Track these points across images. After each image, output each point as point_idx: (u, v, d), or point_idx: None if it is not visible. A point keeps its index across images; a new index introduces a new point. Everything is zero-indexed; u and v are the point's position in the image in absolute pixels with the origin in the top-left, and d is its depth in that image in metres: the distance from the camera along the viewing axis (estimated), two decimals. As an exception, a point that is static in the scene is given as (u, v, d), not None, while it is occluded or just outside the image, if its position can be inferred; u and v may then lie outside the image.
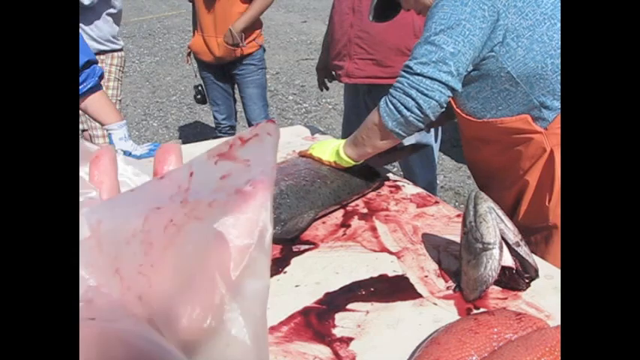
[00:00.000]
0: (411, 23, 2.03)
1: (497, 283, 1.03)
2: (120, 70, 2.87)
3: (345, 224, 1.32)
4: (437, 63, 1.20)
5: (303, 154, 1.51)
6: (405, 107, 1.23)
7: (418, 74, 1.21)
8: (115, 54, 2.83)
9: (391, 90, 1.26)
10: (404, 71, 1.24)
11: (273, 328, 0.96)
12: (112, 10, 2.72)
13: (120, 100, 2.91)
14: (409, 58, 1.25)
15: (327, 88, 2.59)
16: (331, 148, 1.43)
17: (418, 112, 1.22)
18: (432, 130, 2.13)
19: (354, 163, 1.39)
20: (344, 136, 2.54)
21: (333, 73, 2.36)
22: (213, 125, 3.57)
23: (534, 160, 1.32)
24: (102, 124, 1.85)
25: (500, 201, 1.17)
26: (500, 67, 1.27)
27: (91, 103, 1.78)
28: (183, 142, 1.99)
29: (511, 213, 1.37)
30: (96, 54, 2.76)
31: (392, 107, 1.25)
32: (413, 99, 1.21)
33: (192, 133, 4.73)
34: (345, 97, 2.59)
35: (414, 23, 2.03)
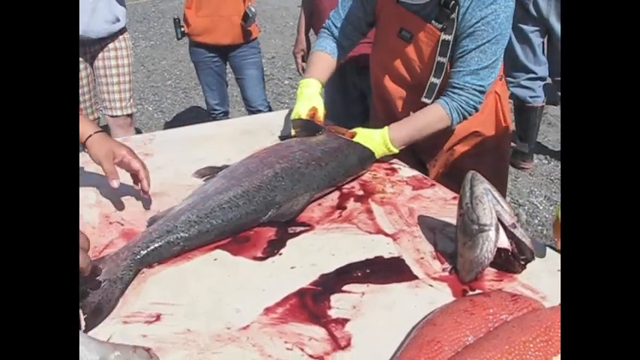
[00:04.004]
0: None
1: (492, 264, 1.03)
2: None
3: (340, 206, 1.31)
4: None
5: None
6: (471, 115, 1.58)
7: (483, 93, 1.55)
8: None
9: (464, 106, 1.54)
10: (479, 92, 1.53)
11: (268, 310, 0.96)
12: None
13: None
14: (478, 78, 1.52)
15: None
16: (379, 148, 1.54)
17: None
18: None
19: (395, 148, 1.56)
20: (330, 117, 2.53)
21: None
22: (208, 109, 3.55)
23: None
24: None
25: None
26: None
27: None
28: (179, 127, 1.98)
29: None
30: (120, 32, 2.68)
31: (462, 117, 1.56)
32: (477, 109, 1.58)
33: (187, 117, 4.71)
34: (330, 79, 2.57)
35: None
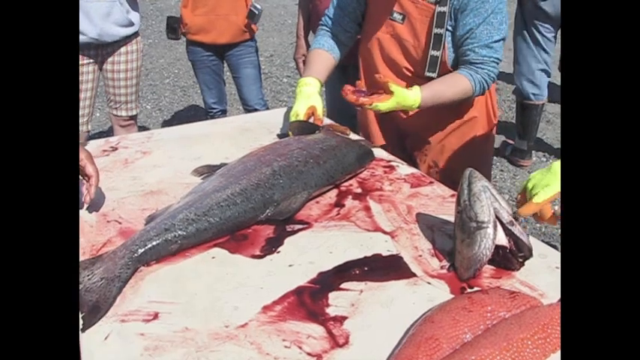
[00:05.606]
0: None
1: (490, 262, 1.03)
2: None
3: (339, 204, 1.31)
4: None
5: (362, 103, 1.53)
6: (489, 88, 1.63)
7: (499, 65, 1.60)
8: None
9: (487, 78, 1.58)
10: (496, 64, 1.58)
11: (266, 308, 0.96)
12: None
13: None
14: (494, 51, 1.57)
15: None
16: (408, 104, 1.54)
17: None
18: None
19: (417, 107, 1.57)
20: (331, 114, 2.53)
21: None
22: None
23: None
24: None
25: None
26: None
27: None
28: (177, 125, 1.98)
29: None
30: (134, 35, 2.70)
31: (483, 90, 1.60)
32: (494, 81, 1.63)
33: (185, 115, 4.70)
34: (330, 78, 2.57)
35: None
